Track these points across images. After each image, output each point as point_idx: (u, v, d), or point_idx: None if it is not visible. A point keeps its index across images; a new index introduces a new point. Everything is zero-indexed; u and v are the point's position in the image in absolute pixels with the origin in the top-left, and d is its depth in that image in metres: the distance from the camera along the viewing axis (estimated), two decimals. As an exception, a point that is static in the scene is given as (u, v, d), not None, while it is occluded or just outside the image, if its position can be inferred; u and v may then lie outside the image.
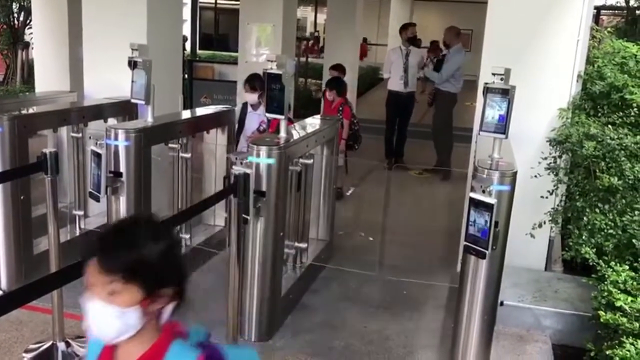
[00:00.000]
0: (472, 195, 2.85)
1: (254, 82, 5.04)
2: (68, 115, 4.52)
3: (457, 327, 3.16)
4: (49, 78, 6.67)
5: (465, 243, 2.89)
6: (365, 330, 3.75)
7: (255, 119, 4.97)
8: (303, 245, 4.37)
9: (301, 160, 4.11)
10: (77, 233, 4.63)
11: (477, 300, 3.05)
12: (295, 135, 3.88)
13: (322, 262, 4.61)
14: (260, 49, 7.85)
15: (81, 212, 4.70)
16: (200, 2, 22.11)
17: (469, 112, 6.10)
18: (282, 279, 3.76)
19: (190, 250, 4.51)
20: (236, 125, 5.40)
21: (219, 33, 23.07)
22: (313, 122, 4.58)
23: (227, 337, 3.08)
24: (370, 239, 5.15)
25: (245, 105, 5.46)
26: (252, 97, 5.09)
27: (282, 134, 3.64)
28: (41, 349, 3.25)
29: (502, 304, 3.69)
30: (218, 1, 22.67)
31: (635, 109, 3.84)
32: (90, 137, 4.13)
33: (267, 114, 3.66)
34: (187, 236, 4.57)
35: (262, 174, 3.37)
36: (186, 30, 14.81)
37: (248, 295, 3.53)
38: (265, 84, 3.62)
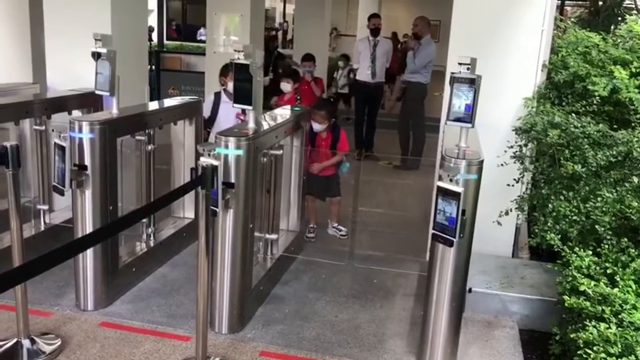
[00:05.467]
0: (440, 184, 2.88)
1: None
2: (30, 107, 4.41)
3: (426, 314, 3.20)
4: (9, 69, 6.50)
5: (433, 231, 2.93)
6: (336, 319, 3.77)
7: (232, 110, 4.90)
8: (273, 236, 4.36)
9: (271, 151, 4.10)
10: (42, 228, 4.53)
11: (445, 287, 3.09)
12: (265, 126, 3.85)
13: (292, 253, 4.61)
14: (229, 39, 7.77)
15: (46, 207, 4.60)
16: (167, -8, 21.74)
17: (437, 102, 6.15)
18: (253, 271, 3.75)
19: (159, 243, 4.46)
20: (206, 116, 5.31)
21: (187, 23, 22.74)
22: (283, 113, 4.56)
23: (197, 329, 3.06)
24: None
25: (218, 95, 5.36)
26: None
27: (251, 124, 3.61)
28: (5, 346, 3.17)
29: (470, 290, 3.75)
30: (185, -9, 22.33)
31: (597, 98, 3.92)
32: (53, 130, 4.04)
33: (235, 105, 3.62)
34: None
35: (230, 165, 3.34)
36: (153, 20, 14.56)
37: (218, 287, 3.50)
38: (233, 75, 3.58)
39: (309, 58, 7.51)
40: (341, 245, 4.96)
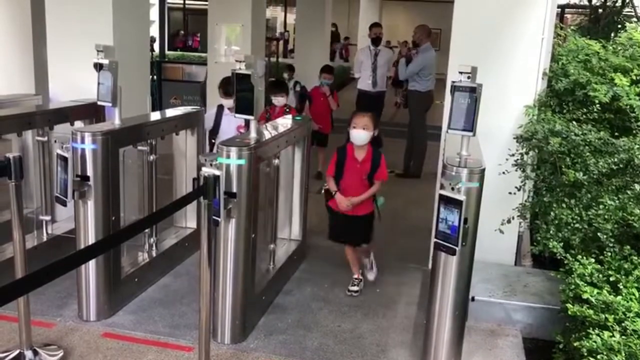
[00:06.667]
0: (442, 192, 2.89)
1: (227, 87, 4.97)
2: (33, 118, 4.43)
3: (429, 323, 3.19)
4: (12, 81, 6.54)
5: (435, 240, 2.92)
6: (338, 329, 3.75)
7: (233, 122, 4.92)
8: (275, 246, 4.35)
9: (272, 160, 4.11)
10: (45, 238, 4.53)
11: (448, 296, 3.08)
12: (266, 135, 3.86)
13: (295, 263, 4.61)
14: (230, 49, 7.81)
15: (48, 217, 4.60)
16: (169, 3, 21.88)
17: (438, 111, 6.17)
18: (255, 280, 3.74)
19: (162, 253, 4.45)
20: (210, 126, 5.34)
21: (188, 33, 22.85)
22: (284, 122, 4.57)
23: (199, 339, 3.05)
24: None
25: (220, 107, 5.40)
26: (228, 102, 5.05)
27: (253, 134, 3.62)
28: (8, 358, 3.17)
29: (473, 299, 3.74)
30: (186, 1, 22.47)
31: (597, 106, 3.93)
32: (55, 141, 4.06)
33: (237, 115, 3.63)
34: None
35: (232, 175, 3.35)
36: (154, 31, 14.63)
37: (221, 297, 3.50)
38: (233, 85, 3.60)
39: (328, 70, 7.23)
40: (343, 254, 4.90)
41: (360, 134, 3.92)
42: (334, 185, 4.06)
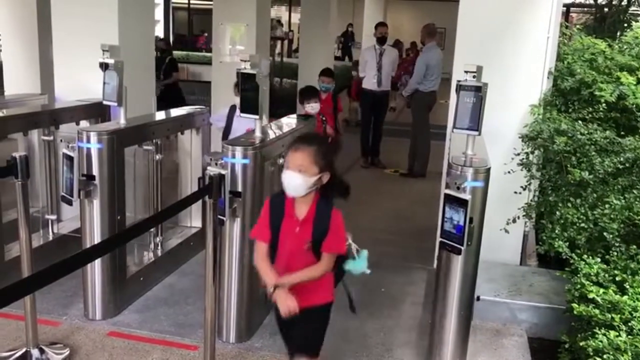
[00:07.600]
0: (447, 191, 2.88)
1: None
2: (39, 118, 4.45)
3: (434, 323, 3.19)
4: (18, 80, 6.56)
5: (440, 239, 2.92)
6: (344, 328, 3.75)
7: (243, 123, 4.92)
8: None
9: (278, 159, 4.10)
10: (50, 237, 4.55)
11: (453, 295, 3.08)
12: (272, 135, 3.87)
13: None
14: (235, 48, 7.82)
15: (54, 217, 4.62)
16: (173, 3, 21.94)
17: (444, 110, 6.16)
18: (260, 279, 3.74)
19: (167, 252, 4.46)
20: (222, 126, 5.34)
21: (193, 33, 22.91)
22: (289, 122, 4.57)
23: (205, 338, 3.06)
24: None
25: (233, 107, 5.40)
26: None
27: (258, 133, 3.62)
28: (14, 356, 3.18)
29: (478, 299, 3.73)
30: (191, 1, 22.51)
31: (603, 105, 3.91)
32: (61, 140, 4.08)
33: (241, 115, 3.64)
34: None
35: (237, 174, 3.35)
36: (159, 31, 14.66)
37: (226, 296, 3.51)
38: (239, 85, 3.60)
39: (327, 73, 6.65)
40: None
41: (292, 179, 2.40)
42: (264, 260, 2.48)
